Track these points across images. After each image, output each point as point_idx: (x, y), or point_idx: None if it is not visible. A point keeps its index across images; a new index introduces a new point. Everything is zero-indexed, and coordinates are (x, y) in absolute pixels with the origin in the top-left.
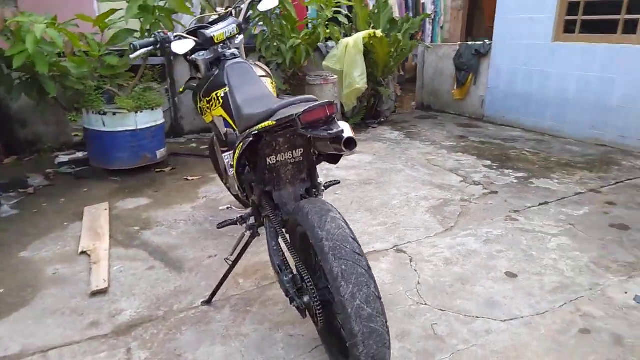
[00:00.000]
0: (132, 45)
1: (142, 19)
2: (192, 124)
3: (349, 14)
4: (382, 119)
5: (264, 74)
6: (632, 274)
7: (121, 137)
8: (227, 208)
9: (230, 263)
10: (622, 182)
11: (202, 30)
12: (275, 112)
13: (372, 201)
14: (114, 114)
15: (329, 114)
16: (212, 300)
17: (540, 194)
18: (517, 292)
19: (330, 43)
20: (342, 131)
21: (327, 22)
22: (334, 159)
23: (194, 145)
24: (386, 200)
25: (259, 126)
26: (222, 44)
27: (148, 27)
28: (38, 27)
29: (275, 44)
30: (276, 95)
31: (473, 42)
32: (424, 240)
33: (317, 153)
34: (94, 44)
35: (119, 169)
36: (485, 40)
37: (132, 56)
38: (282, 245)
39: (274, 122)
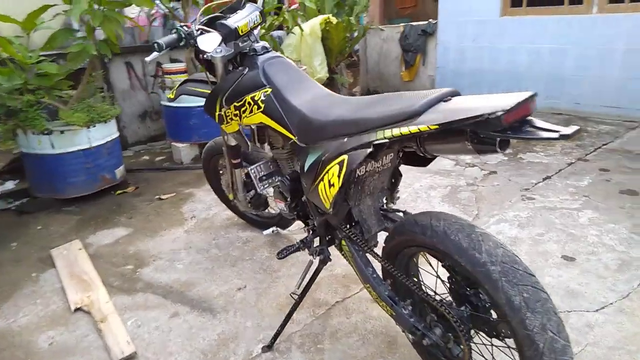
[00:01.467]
0: (156, 45)
1: (90, 16)
2: (137, 134)
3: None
4: None
5: (295, 64)
6: None
7: (72, 158)
8: (274, 232)
9: (297, 297)
10: (600, 148)
11: (223, 21)
12: (418, 112)
13: None
14: (62, 132)
15: (533, 109)
16: (274, 344)
17: (537, 169)
18: (587, 276)
19: (278, 32)
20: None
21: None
22: (425, 162)
23: (146, 157)
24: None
25: (399, 132)
26: (243, 37)
27: (97, 26)
28: None
29: None
30: None
31: (418, 23)
32: None
33: (401, 155)
34: (23, 50)
35: (73, 197)
36: (431, 20)
37: (148, 59)
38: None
39: (437, 126)
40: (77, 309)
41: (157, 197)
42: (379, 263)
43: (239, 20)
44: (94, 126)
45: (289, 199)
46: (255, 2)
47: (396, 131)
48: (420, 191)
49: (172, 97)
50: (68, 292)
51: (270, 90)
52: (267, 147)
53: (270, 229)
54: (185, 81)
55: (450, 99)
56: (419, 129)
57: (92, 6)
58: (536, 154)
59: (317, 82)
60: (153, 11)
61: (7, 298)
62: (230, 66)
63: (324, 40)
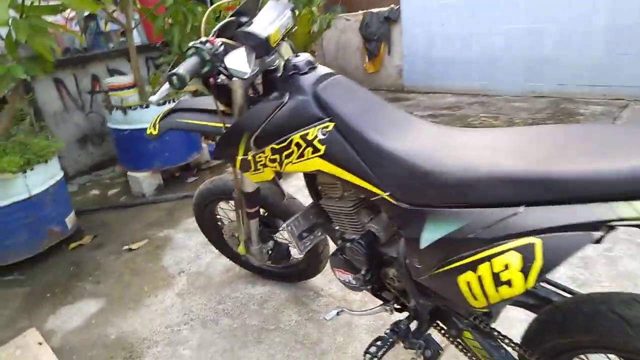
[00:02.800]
0: (176, 77)
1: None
2: (78, 163)
3: None
4: None
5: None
6: None
7: (8, 214)
8: (339, 313)
9: None
10: None
11: (248, 29)
12: None
13: None
14: None
15: None
16: None
17: None
18: None
19: None
20: None
21: None
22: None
23: (95, 192)
24: None
25: None
26: (272, 50)
27: (23, 40)
28: None
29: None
30: None
31: (379, 9)
32: None
33: None
34: None
35: (14, 263)
36: (393, 6)
37: (154, 98)
38: None
39: None
40: None
41: (126, 247)
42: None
43: (267, 25)
44: (32, 169)
45: (363, 271)
46: None
47: None
48: None
49: (154, 133)
50: None
51: (332, 125)
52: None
53: (334, 311)
54: (171, 111)
55: None
56: None
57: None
58: None
59: (401, 110)
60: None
61: None
62: (251, 91)
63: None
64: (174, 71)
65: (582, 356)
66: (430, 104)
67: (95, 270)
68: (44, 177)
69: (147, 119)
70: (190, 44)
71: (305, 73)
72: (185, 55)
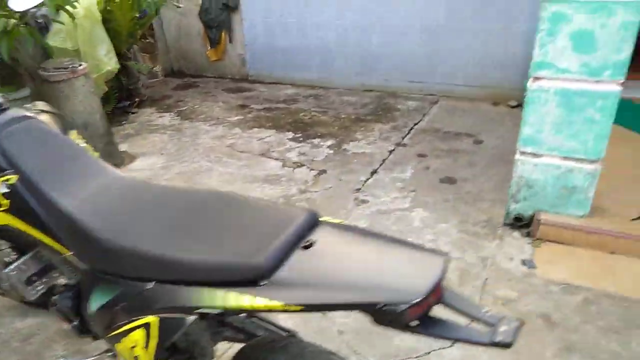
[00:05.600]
0: None
1: None
2: None
3: None
4: (139, 99)
5: (60, 122)
6: (497, 233)
7: None
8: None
9: None
10: (412, 129)
11: None
12: (263, 272)
13: None
14: None
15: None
16: None
17: (363, 161)
18: None
19: (42, 11)
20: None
21: None
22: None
23: None
24: None
25: (237, 304)
26: None
27: None
28: None
29: None
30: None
31: None
32: None
33: None
34: None
35: None
36: None
37: None
38: None
39: (301, 307)
40: None
41: None
42: None
43: None
44: None
45: (75, 322)
46: None
47: (232, 301)
48: None
49: None
50: None
51: (16, 177)
52: None
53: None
54: None
55: (310, 244)
56: (268, 307)
57: None
58: (357, 142)
59: (98, 160)
60: None
61: None
62: None
63: (108, 23)
64: None
65: None
66: (269, 95)
67: None
68: None
69: None
70: None
71: None
72: None
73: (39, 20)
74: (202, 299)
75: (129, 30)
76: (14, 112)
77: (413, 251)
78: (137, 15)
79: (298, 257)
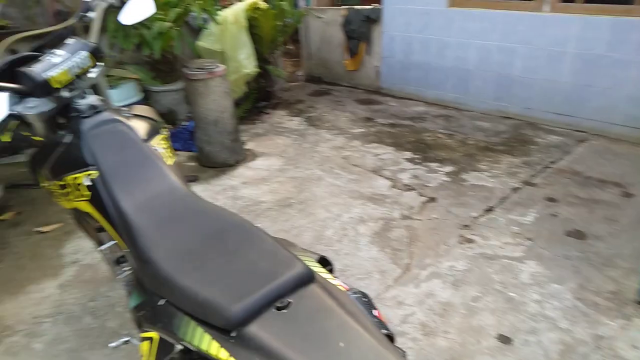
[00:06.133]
0: None
1: None
2: None
3: None
4: (275, 101)
5: (147, 127)
6: (624, 311)
7: None
8: (126, 342)
9: None
10: (548, 167)
11: (26, 70)
12: (231, 323)
13: (302, 235)
14: None
15: None
16: None
17: (480, 195)
18: None
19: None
20: None
21: None
22: None
23: None
24: (318, 230)
25: (202, 346)
26: (67, 87)
27: None
28: None
29: (134, 29)
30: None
31: (362, 7)
32: (384, 293)
33: None
34: None
35: None
36: (375, 5)
37: None
38: None
39: None
40: None
41: (37, 229)
42: None
43: (51, 67)
44: None
45: None
46: (87, 36)
47: (205, 344)
48: (348, 226)
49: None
50: None
51: (97, 173)
52: None
53: (121, 340)
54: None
55: (285, 305)
56: None
57: None
58: (479, 173)
59: (167, 168)
60: None
61: None
62: (57, 124)
63: (253, 29)
64: None
65: None
66: (397, 111)
67: (2, 247)
68: None
69: None
70: None
71: (84, 116)
72: None
73: (193, 24)
74: (187, 331)
75: (272, 37)
76: (107, 114)
77: (376, 345)
78: (281, 24)
79: (270, 316)
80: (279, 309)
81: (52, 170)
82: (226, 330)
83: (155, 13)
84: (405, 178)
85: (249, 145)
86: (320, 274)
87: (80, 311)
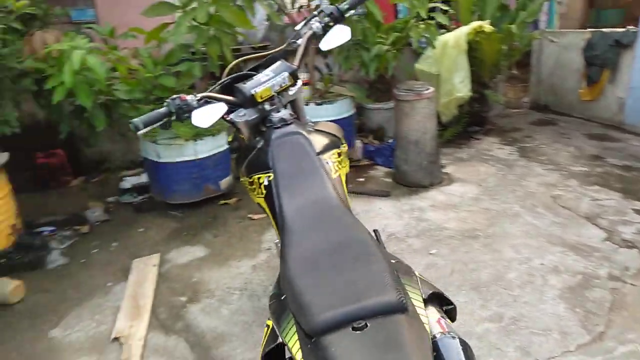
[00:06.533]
0: (133, 126)
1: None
2: None
3: (447, 5)
4: (489, 127)
5: (324, 142)
6: None
7: (179, 168)
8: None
9: None
10: None
11: (240, 85)
12: (314, 331)
13: (479, 271)
14: (170, 144)
15: None
16: None
17: None
18: None
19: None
20: None
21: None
22: None
23: None
24: (500, 270)
25: None
26: (269, 101)
27: (203, 46)
28: (76, 55)
29: (355, 51)
30: (344, 174)
31: (611, 30)
32: (559, 358)
33: None
34: (149, 62)
35: (179, 203)
36: (629, 28)
37: (139, 133)
38: None
39: None
40: (116, 339)
41: (249, 216)
42: None
43: (258, 84)
44: (202, 139)
45: None
46: (292, 60)
47: (290, 342)
48: (536, 273)
49: (230, 140)
50: (118, 316)
51: (271, 176)
52: None
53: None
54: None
55: (362, 327)
56: None
57: (195, 29)
58: None
59: (329, 180)
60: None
61: (78, 304)
62: (260, 131)
63: (474, 52)
64: (133, 120)
65: None
66: (638, 152)
67: (221, 226)
68: (210, 146)
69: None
70: (168, 99)
71: (275, 127)
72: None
73: (415, 47)
74: (286, 328)
75: (494, 61)
76: (292, 127)
77: None
78: (506, 47)
79: (344, 333)
80: (354, 329)
81: (247, 168)
82: (310, 336)
83: (377, 37)
84: (627, 232)
85: (448, 169)
86: (419, 308)
87: (262, 292)
